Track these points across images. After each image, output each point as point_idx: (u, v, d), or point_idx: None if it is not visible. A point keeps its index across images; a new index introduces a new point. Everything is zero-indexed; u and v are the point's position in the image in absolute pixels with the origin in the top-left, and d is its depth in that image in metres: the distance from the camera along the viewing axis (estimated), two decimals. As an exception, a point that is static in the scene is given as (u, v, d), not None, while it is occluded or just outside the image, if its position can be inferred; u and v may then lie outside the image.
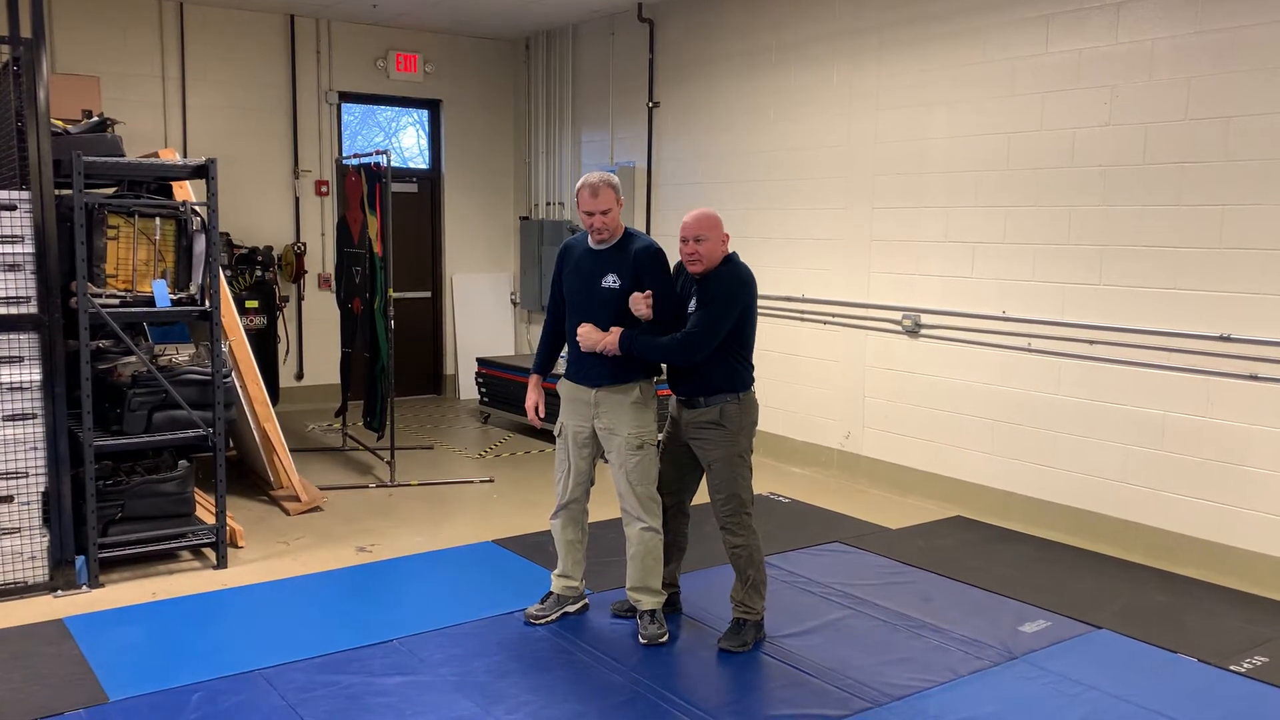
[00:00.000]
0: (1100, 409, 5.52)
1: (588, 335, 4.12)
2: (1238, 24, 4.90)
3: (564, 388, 4.32)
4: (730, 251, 4.17)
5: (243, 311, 8.06)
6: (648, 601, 4.26)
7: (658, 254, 4.16)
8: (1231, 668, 4.02)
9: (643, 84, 8.42)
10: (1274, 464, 4.87)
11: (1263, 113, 4.83)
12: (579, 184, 4.13)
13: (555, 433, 4.39)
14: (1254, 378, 4.91)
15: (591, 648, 4.15)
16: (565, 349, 4.37)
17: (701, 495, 4.32)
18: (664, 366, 4.26)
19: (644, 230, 8.17)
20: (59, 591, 4.67)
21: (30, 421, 4.57)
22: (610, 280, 4.11)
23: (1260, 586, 4.86)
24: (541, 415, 4.43)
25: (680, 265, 4.21)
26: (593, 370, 4.18)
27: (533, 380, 4.48)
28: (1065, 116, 5.58)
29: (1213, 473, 5.09)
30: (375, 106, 9.67)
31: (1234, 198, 4.95)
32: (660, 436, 4.34)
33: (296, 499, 6.01)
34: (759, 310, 7.08)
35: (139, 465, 5.22)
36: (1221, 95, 4.97)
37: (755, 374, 4.27)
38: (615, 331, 4.07)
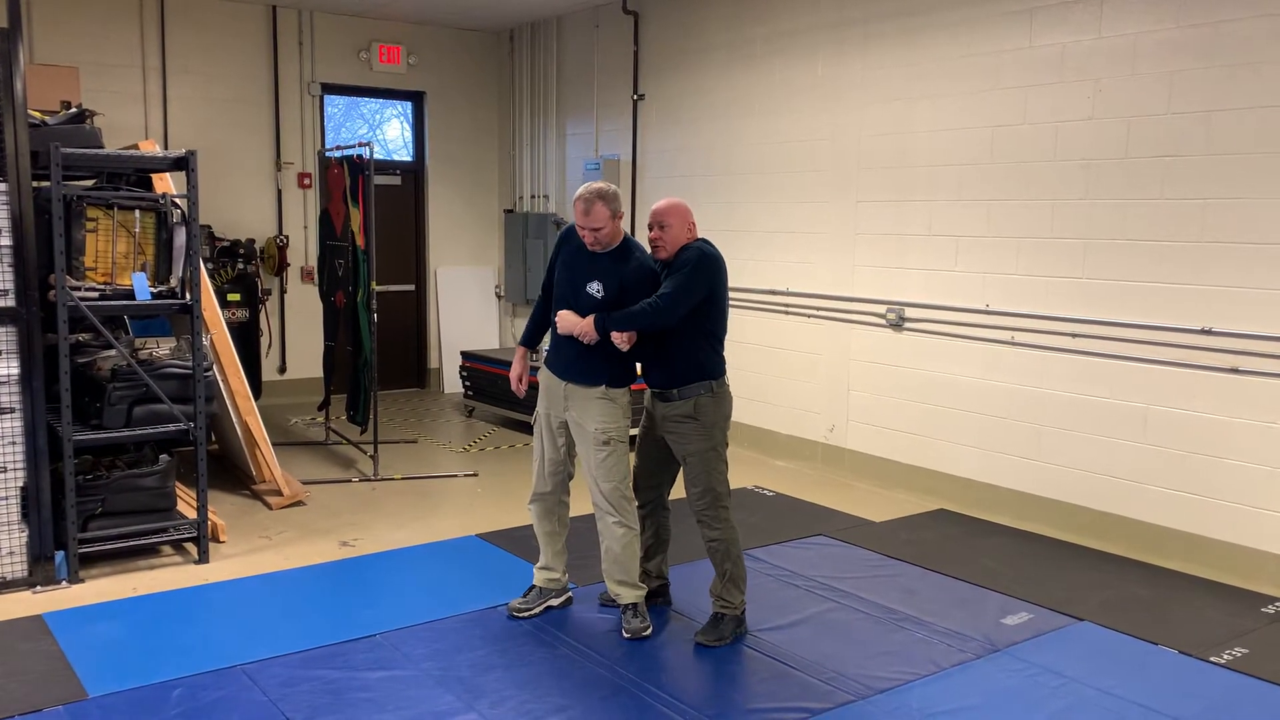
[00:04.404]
0: (1083, 402, 5.54)
1: (565, 319, 4.12)
2: (1219, 19, 4.91)
3: (542, 375, 4.33)
4: (699, 238, 4.17)
5: (225, 304, 8.01)
6: (627, 595, 4.25)
7: (650, 274, 4.13)
8: (1212, 659, 4.05)
9: (627, 76, 8.39)
10: (1255, 457, 4.90)
11: (1243, 107, 4.85)
12: (575, 195, 4.10)
13: (532, 421, 4.42)
14: (1235, 371, 4.94)
15: (575, 641, 4.14)
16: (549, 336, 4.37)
17: (679, 489, 4.32)
18: (638, 367, 4.25)
19: (629, 223, 8.16)
20: (38, 587, 4.63)
21: (8, 416, 4.52)
22: (594, 288, 4.09)
23: (1241, 578, 4.89)
24: (525, 386, 4.43)
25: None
26: (565, 363, 4.19)
27: (519, 352, 4.48)
28: (1049, 110, 5.59)
29: (1195, 466, 5.12)
30: (359, 98, 9.62)
31: (1215, 192, 4.97)
32: (635, 431, 4.34)
33: (279, 493, 5.98)
34: (742, 302, 7.22)
35: (119, 459, 5.19)
36: (1203, 89, 4.98)
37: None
38: (590, 318, 4.06)
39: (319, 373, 7.82)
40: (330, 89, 9.21)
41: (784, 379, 7.28)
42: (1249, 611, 4.54)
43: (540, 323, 4.45)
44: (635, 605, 4.25)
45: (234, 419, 5.95)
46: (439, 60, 9.65)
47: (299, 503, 6.02)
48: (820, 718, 3.57)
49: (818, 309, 7.00)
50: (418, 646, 4.07)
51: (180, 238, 4.92)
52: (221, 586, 4.74)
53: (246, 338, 8.35)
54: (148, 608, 4.47)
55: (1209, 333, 5.02)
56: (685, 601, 4.52)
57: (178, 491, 5.31)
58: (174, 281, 4.93)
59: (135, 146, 6.13)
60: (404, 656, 3.98)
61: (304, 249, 9.10)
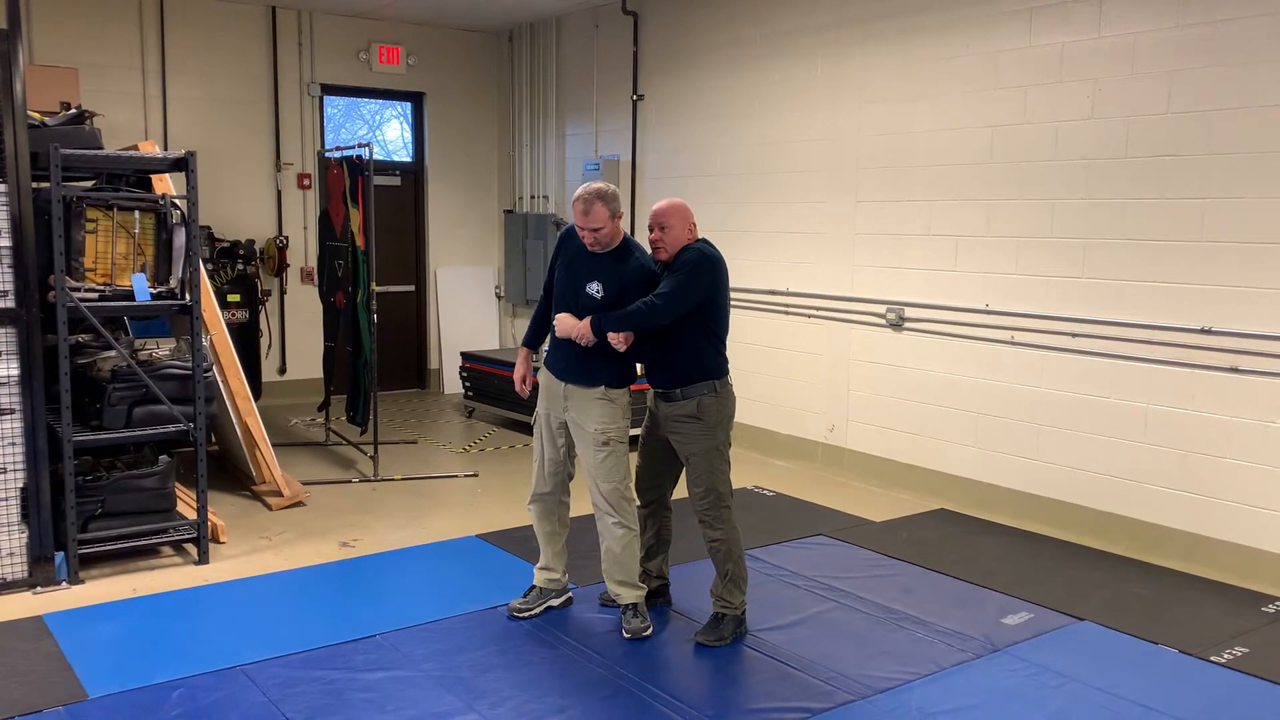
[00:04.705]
0: (1083, 401, 5.54)
1: (563, 321, 4.13)
2: (1217, 18, 4.91)
3: (542, 375, 4.33)
4: (699, 239, 4.17)
5: (224, 305, 8.01)
6: (627, 595, 4.25)
7: (650, 275, 4.13)
8: (1212, 658, 4.05)
9: (627, 77, 8.39)
10: (1255, 456, 4.90)
11: (1243, 106, 4.85)
12: (574, 195, 4.10)
13: (532, 421, 4.42)
14: (1235, 370, 4.94)
15: (575, 641, 4.14)
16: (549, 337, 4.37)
17: (682, 489, 4.32)
18: (639, 368, 4.25)
19: (629, 223, 8.16)
20: (38, 588, 4.63)
21: (8, 417, 4.52)
22: (594, 289, 4.10)
23: (1241, 578, 4.89)
24: (528, 387, 4.43)
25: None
26: (564, 364, 4.19)
27: (521, 353, 4.49)
28: (1048, 110, 5.59)
29: (1195, 465, 5.12)
30: (358, 99, 9.62)
31: (1215, 191, 4.97)
32: (636, 432, 4.34)
33: (279, 494, 5.98)
34: (742, 302, 7.22)
35: (119, 460, 5.18)
36: (1202, 89, 4.98)
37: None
38: (586, 321, 4.06)
39: (319, 373, 7.82)
40: (330, 90, 9.21)
41: (784, 379, 7.28)
42: (1249, 611, 4.54)
43: (542, 324, 4.45)
44: (635, 605, 4.25)
45: (234, 420, 5.95)
46: (438, 61, 9.65)
47: (299, 503, 6.01)
48: (820, 717, 3.57)
49: (818, 309, 7.00)
50: (418, 647, 4.07)
51: (180, 238, 4.92)
52: (221, 587, 4.74)
53: (246, 338, 8.36)
54: (148, 608, 4.47)
55: (1209, 332, 5.02)
56: (686, 601, 4.52)
57: (177, 492, 5.31)
58: (173, 282, 4.93)
59: (135, 147, 6.12)
60: (404, 657, 3.98)
61: (304, 250, 9.10)
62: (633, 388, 4.26)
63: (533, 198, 9.64)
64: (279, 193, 8.99)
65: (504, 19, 9.34)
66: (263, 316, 8.65)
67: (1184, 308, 5.10)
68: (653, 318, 4.00)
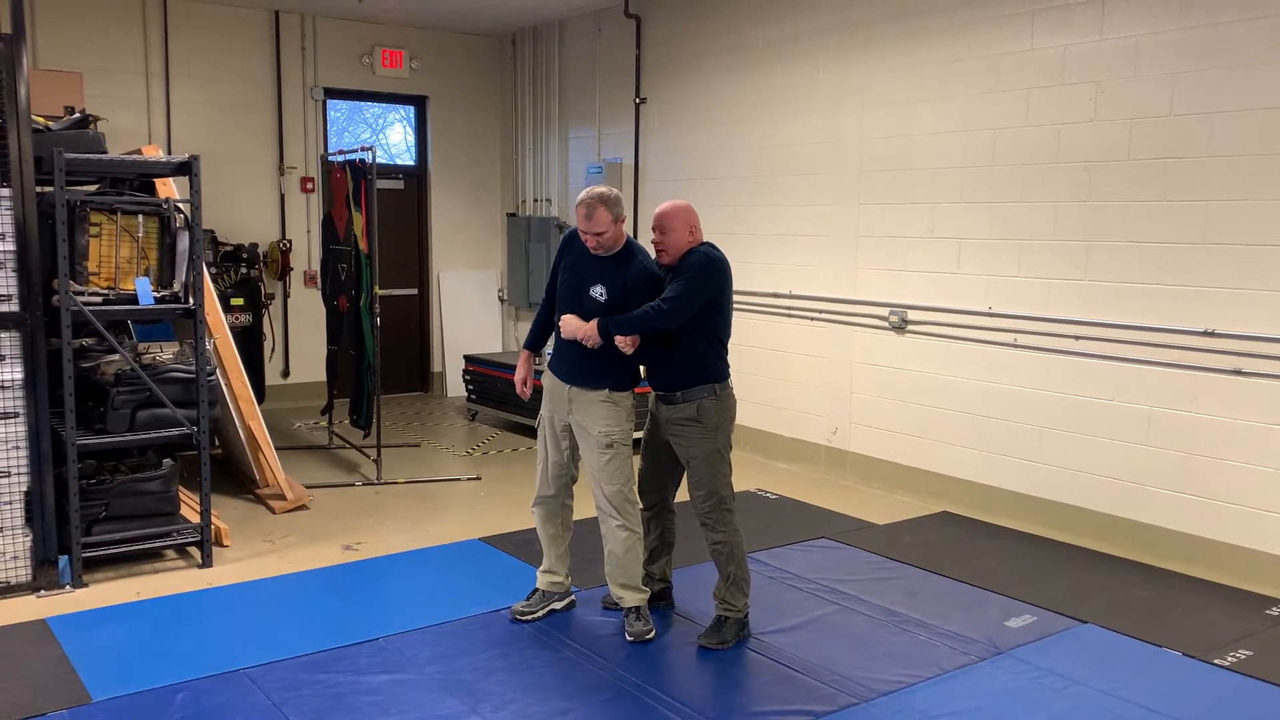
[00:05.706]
0: (1085, 404, 5.54)
1: (568, 323, 4.13)
2: (1219, 20, 4.91)
3: (546, 378, 4.34)
4: (704, 242, 4.18)
5: (228, 309, 8.01)
6: (630, 599, 4.25)
7: (653, 278, 4.14)
8: (1216, 661, 4.04)
9: (630, 80, 8.40)
10: (1258, 458, 4.90)
11: (1245, 108, 4.84)
12: (577, 200, 4.11)
13: (536, 424, 4.42)
14: (1238, 372, 4.93)
15: (578, 645, 4.14)
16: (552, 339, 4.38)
17: (684, 492, 4.32)
18: (642, 370, 4.25)
19: (631, 226, 8.16)
20: (42, 591, 4.63)
21: (12, 420, 4.53)
22: (598, 292, 4.10)
23: (1244, 580, 4.88)
24: (529, 389, 4.44)
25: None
26: (569, 367, 4.20)
27: (523, 355, 4.49)
28: (1051, 112, 5.59)
29: (1197, 467, 5.11)
30: (361, 103, 9.64)
31: (1218, 193, 4.97)
32: (639, 435, 4.34)
33: (282, 497, 5.99)
34: (745, 305, 7.23)
35: (123, 464, 5.20)
36: (1205, 91, 4.98)
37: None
38: (593, 322, 4.07)
39: (322, 377, 7.83)
40: (333, 93, 9.22)
41: (787, 382, 7.28)
42: (1253, 613, 4.53)
43: (544, 326, 4.45)
44: (638, 608, 4.25)
45: (237, 423, 5.96)
46: (441, 64, 9.67)
47: (302, 507, 6.02)
48: (823, 720, 3.57)
49: (820, 312, 7.00)
50: (421, 650, 4.07)
51: (183, 242, 4.94)
52: (225, 590, 4.75)
53: (250, 342, 8.35)
54: (151, 612, 4.48)
55: (1211, 334, 5.01)
56: (688, 604, 4.52)
57: (181, 496, 5.33)
58: (177, 286, 4.94)
59: (138, 151, 6.14)
60: (407, 660, 3.98)
61: (307, 253, 9.11)
62: (635, 391, 4.27)
63: (535, 201, 9.64)
64: (282, 196, 9.00)
65: (506, 23, 9.35)
66: (266, 320, 8.65)
67: (1187, 310, 5.10)
68: (660, 322, 4.01)
